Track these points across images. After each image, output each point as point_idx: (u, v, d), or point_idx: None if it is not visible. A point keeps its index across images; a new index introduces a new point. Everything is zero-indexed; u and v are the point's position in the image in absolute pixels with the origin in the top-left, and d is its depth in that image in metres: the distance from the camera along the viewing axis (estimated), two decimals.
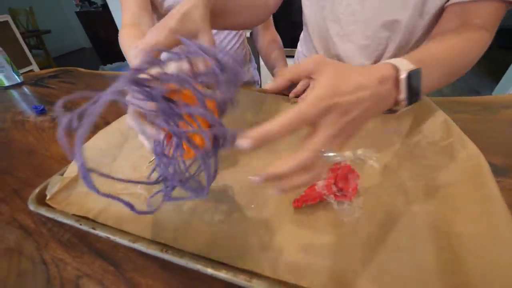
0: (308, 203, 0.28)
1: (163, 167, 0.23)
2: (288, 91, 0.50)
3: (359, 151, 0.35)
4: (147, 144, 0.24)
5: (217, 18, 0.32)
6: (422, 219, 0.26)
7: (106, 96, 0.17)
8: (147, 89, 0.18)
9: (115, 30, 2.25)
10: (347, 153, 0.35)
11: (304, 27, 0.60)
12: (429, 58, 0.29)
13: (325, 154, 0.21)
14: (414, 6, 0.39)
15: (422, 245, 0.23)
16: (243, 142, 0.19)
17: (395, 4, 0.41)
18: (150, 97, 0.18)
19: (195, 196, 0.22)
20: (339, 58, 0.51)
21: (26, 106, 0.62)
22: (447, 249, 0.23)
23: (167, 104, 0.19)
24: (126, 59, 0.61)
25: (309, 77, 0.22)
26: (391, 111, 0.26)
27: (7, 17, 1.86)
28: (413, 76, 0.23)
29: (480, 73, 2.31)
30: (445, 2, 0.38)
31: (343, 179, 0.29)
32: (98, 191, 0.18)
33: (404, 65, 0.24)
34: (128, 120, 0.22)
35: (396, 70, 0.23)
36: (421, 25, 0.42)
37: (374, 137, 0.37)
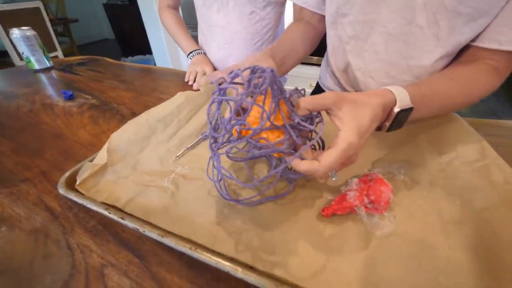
0: (337, 213, 0.28)
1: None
2: None
3: (389, 165, 0.34)
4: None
5: (279, 68, 0.46)
6: (460, 240, 0.24)
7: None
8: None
9: (139, 24, 2.29)
10: (378, 168, 0.34)
11: (325, 56, 0.59)
12: (431, 93, 0.33)
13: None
14: (440, 52, 0.38)
15: (460, 268, 0.22)
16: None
17: (421, 51, 0.39)
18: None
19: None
20: (359, 90, 0.51)
21: (54, 91, 0.63)
22: (489, 275, 0.21)
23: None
24: (177, 42, 0.75)
25: (326, 111, 0.26)
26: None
27: (39, 4, 1.94)
28: (403, 113, 0.28)
29: (501, 97, 2.23)
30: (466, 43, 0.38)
31: (375, 191, 0.28)
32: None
33: (402, 100, 0.28)
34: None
35: (394, 102, 0.28)
36: (444, 64, 0.41)
37: (405, 153, 0.36)
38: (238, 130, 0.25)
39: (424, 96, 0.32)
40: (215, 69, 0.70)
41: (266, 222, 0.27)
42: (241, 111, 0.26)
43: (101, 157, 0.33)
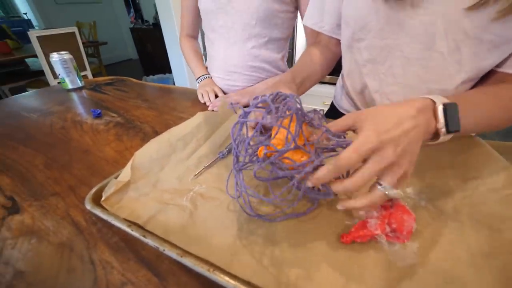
0: (357, 240, 0.27)
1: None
2: None
3: (411, 190, 0.33)
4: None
5: (299, 88, 0.49)
6: (491, 275, 0.23)
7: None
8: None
9: (161, 46, 2.45)
10: (398, 191, 0.33)
11: (340, 77, 0.60)
12: (466, 102, 0.31)
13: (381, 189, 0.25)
14: (462, 78, 0.38)
15: None
16: (313, 182, 0.25)
17: (442, 76, 0.39)
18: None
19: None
20: None
21: (84, 109, 0.68)
22: None
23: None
24: (190, 67, 0.81)
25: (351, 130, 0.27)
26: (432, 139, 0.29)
27: (74, 29, 2.14)
28: (449, 108, 0.27)
29: None
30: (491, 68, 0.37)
31: (397, 219, 0.27)
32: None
33: (440, 99, 0.27)
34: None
35: (433, 102, 0.27)
36: (467, 88, 0.40)
37: (428, 177, 0.35)
38: (265, 151, 0.26)
39: (462, 103, 0.29)
40: (223, 92, 0.73)
41: (284, 245, 0.27)
42: (264, 133, 0.28)
43: (125, 174, 0.35)
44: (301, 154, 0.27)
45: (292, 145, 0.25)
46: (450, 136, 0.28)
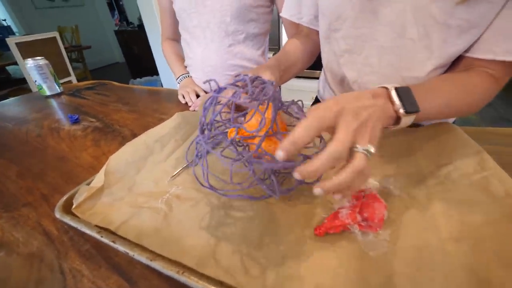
0: (330, 232, 0.27)
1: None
2: None
3: (385, 179, 0.34)
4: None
5: (282, 76, 0.48)
6: (458, 260, 0.23)
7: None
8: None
9: (147, 48, 2.42)
10: (372, 180, 0.34)
11: (322, 70, 0.60)
12: (423, 86, 0.33)
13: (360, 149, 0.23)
14: (433, 64, 0.38)
15: None
16: (278, 154, 0.22)
17: (414, 63, 0.40)
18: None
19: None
20: None
21: (63, 115, 0.67)
22: None
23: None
24: (171, 70, 0.74)
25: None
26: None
27: (55, 34, 2.08)
28: (401, 90, 0.28)
29: (511, 101, 2.17)
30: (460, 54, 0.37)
31: (368, 208, 0.27)
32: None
33: (392, 85, 0.29)
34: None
35: (386, 88, 0.29)
36: (438, 74, 0.41)
37: (401, 165, 0.35)
38: (235, 135, 0.27)
39: (419, 89, 0.30)
40: (204, 91, 0.72)
41: (258, 243, 0.27)
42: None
43: (98, 179, 0.34)
44: (273, 143, 0.27)
45: (263, 131, 0.25)
46: (411, 117, 0.29)
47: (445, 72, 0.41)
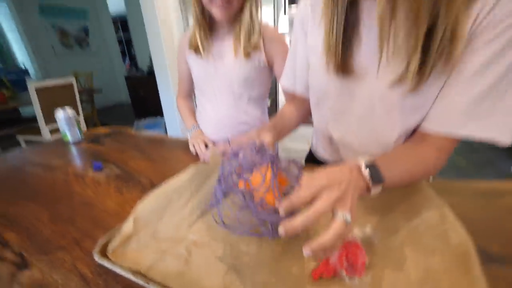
0: (323, 276, 0.33)
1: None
2: None
3: (367, 229, 0.41)
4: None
5: (278, 134, 0.58)
6: None
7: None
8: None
9: (153, 91, 2.63)
10: (356, 230, 0.41)
11: (314, 128, 0.72)
12: (388, 158, 0.42)
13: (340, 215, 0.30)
14: (398, 133, 0.49)
15: None
16: (280, 212, 0.32)
17: (384, 131, 0.50)
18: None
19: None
20: (340, 159, 0.62)
21: (85, 162, 0.74)
22: None
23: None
24: (183, 121, 0.93)
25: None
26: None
27: (72, 80, 2.28)
28: (369, 165, 0.36)
29: (497, 147, 2.35)
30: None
31: (352, 255, 0.34)
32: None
33: (364, 161, 0.37)
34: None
35: (358, 164, 0.37)
36: (404, 140, 0.51)
37: (381, 221, 0.43)
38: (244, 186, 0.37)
39: (384, 161, 0.39)
40: (213, 142, 0.83)
41: (263, 283, 0.33)
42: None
43: (128, 226, 0.41)
44: (272, 196, 0.35)
45: (263, 189, 0.34)
46: (378, 187, 0.37)
47: (410, 137, 0.51)
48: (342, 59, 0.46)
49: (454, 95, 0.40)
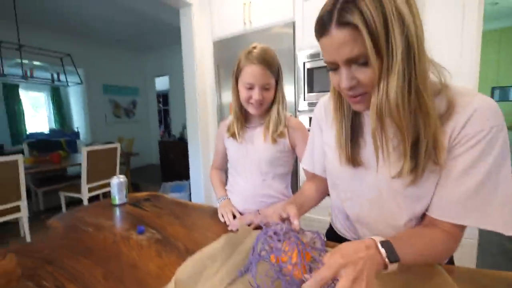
0: None
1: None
2: None
3: None
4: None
5: (299, 210, 0.63)
6: None
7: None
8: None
9: (182, 155, 2.93)
10: None
11: (331, 205, 0.80)
12: (400, 239, 0.46)
13: None
14: (405, 218, 0.54)
15: None
16: None
17: (393, 215, 0.55)
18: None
19: None
20: (357, 235, 0.67)
21: (129, 224, 0.86)
22: None
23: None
24: (214, 191, 1.06)
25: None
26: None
27: (117, 145, 2.65)
28: (385, 244, 0.41)
29: None
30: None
31: None
32: None
33: (379, 239, 0.42)
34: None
35: (375, 241, 0.42)
36: (414, 224, 0.57)
37: None
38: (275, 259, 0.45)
39: (397, 242, 0.43)
40: (239, 212, 0.92)
41: None
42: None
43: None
44: (299, 271, 0.42)
45: (290, 268, 0.41)
46: (395, 265, 0.41)
47: (421, 220, 0.56)
48: (352, 154, 0.58)
49: (450, 188, 0.47)
